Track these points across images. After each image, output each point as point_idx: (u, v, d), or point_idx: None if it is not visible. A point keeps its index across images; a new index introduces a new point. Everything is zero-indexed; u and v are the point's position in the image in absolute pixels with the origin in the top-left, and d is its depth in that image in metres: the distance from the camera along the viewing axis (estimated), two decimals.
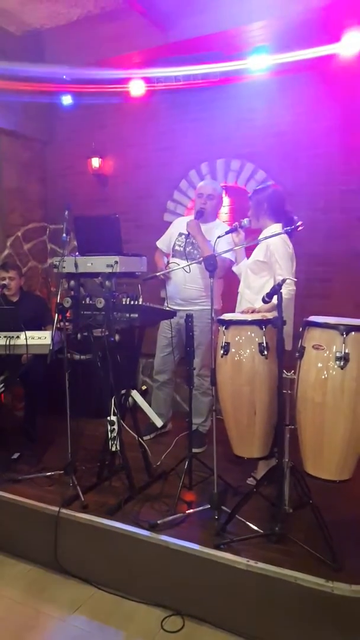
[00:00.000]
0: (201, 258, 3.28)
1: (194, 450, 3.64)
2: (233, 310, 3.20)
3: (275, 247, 2.94)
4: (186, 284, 3.66)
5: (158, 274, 3.56)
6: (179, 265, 3.58)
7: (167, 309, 3.46)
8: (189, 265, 3.39)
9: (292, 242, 3.01)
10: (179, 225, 3.84)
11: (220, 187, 3.86)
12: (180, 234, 3.77)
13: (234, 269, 3.35)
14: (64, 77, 4.64)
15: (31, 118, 5.03)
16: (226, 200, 4.58)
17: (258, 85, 4.15)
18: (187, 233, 3.71)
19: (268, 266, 2.99)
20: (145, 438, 3.40)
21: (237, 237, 3.22)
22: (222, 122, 4.41)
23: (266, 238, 2.97)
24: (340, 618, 2.15)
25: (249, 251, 3.28)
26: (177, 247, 3.75)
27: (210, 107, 4.45)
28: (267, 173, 4.25)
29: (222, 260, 3.35)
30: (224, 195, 4.55)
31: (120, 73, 4.46)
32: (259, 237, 3.05)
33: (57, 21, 4.54)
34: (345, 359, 2.23)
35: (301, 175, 4.12)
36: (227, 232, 3.17)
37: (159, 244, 3.91)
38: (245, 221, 3.14)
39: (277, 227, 2.99)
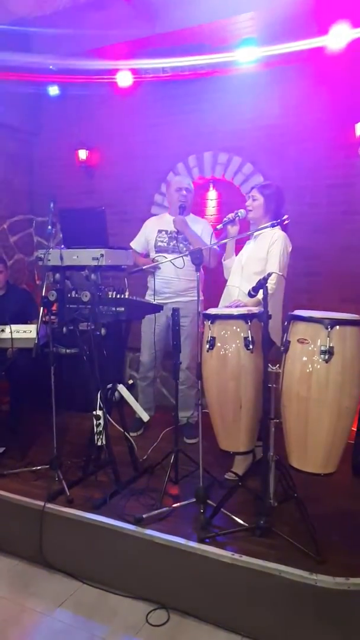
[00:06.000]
0: (187, 252, 3.30)
1: (188, 441, 3.67)
2: (217, 304, 3.20)
3: (278, 241, 2.99)
4: (177, 276, 3.67)
5: (145, 267, 3.57)
6: (166, 258, 3.60)
7: (155, 302, 3.47)
8: (180, 257, 3.41)
9: None
10: (155, 224, 3.86)
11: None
12: (160, 231, 3.79)
13: (224, 262, 3.34)
14: (51, 67, 4.57)
15: (17, 109, 4.97)
16: (213, 194, 4.57)
17: (246, 78, 4.13)
18: (166, 230, 3.75)
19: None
20: (132, 434, 3.40)
21: (233, 228, 3.21)
22: (209, 114, 4.39)
23: (257, 230, 3.02)
24: (323, 610, 2.16)
25: (239, 244, 3.29)
26: (160, 244, 3.76)
27: (198, 99, 4.42)
28: (255, 166, 4.24)
29: (213, 251, 3.39)
30: (211, 188, 4.57)
31: (108, 64, 4.41)
32: (256, 231, 3.06)
33: (43, 10, 4.45)
34: (329, 352, 2.24)
35: (288, 169, 4.12)
36: (224, 224, 3.16)
37: (133, 245, 3.88)
38: (241, 212, 3.14)
39: (267, 223, 3.00)
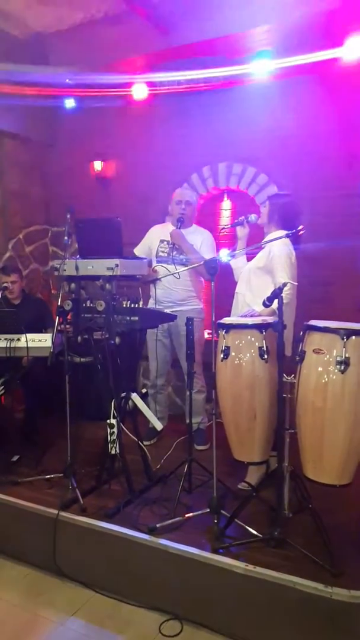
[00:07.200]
0: (202, 261, 3.31)
1: (199, 447, 3.66)
2: (226, 313, 3.19)
3: (277, 250, 2.94)
4: (175, 286, 3.71)
5: (160, 277, 3.61)
6: (166, 269, 3.63)
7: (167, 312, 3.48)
8: (188, 269, 3.43)
9: (295, 248, 3.00)
10: (158, 233, 3.89)
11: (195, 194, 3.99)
12: (162, 241, 3.82)
13: (232, 262, 3.34)
14: (68, 80, 4.65)
15: (34, 121, 5.05)
16: (228, 204, 4.59)
17: (260, 89, 4.16)
18: (168, 240, 3.77)
19: (269, 271, 2.98)
20: (146, 443, 3.39)
21: (242, 231, 3.25)
22: (224, 125, 4.42)
23: (268, 242, 2.98)
24: (338, 623, 2.13)
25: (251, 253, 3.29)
26: (161, 253, 3.80)
27: (213, 110, 4.46)
28: (269, 177, 4.26)
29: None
30: (225, 198, 4.59)
31: (123, 77, 4.47)
32: (264, 240, 3.05)
33: (61, 25, 4.55)
34: (345, 363, 2.23)
35: (303, 180, 4.13)
36: (232, 225, 3.25)
37: (136, 251, 3.91)
38: (252, 217, 3.19)
39: (281, 233, 2.99)
